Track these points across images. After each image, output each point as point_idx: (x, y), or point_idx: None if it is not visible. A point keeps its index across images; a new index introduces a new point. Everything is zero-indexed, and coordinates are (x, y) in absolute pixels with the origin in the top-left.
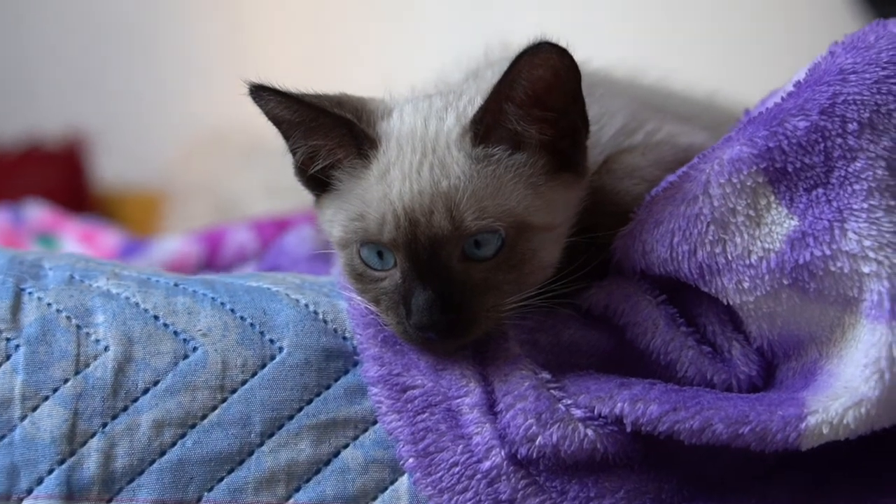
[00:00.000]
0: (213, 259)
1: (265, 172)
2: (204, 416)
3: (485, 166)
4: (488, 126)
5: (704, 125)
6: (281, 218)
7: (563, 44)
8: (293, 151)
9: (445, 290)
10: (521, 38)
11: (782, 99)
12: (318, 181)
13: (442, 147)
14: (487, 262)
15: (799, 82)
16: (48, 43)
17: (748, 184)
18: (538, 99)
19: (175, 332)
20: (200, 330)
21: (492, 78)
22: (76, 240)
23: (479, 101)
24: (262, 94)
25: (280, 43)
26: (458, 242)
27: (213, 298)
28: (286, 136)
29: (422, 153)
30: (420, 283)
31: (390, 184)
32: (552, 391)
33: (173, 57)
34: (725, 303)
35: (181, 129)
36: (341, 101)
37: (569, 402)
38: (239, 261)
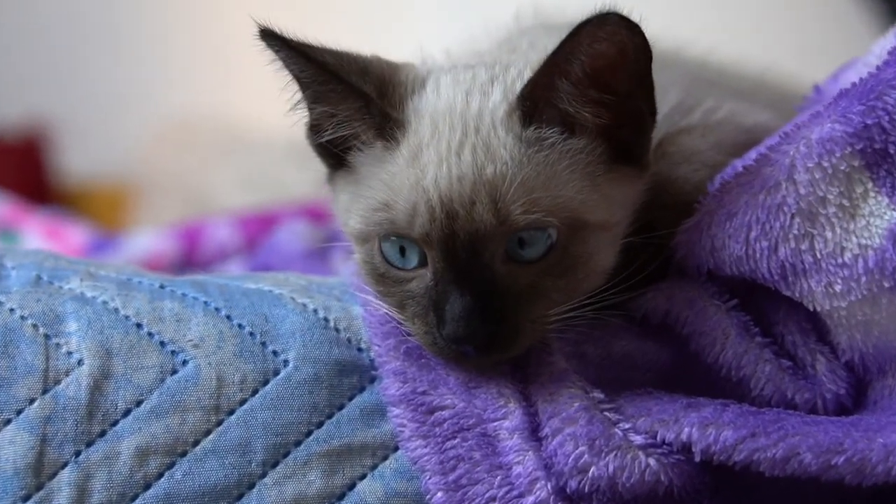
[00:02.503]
0: (191, 257)
1: (241, 164)
2: (196, 443)
3: (536, 151)
4: (538, 102)
5: (763, 104)
6: (266, 212)
7: (634, 17)
8: (308, 109)
9: (486, 296)
10: (554, 4)
11: (877, 68)
12: (331, 152)
13: (486, 126)
14: (534, 264)
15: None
16: (7, 27)
17: (842, 168)
18: (598, 78)
19: (161, 343)
20: (191, 340)
21: (546, 47)
22: (40, 235)
23: (528, 76)
24: (270, 42)
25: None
26: (503, 240)
27: (205, 303)
28: (301, 91)
29: (462, 133)
30: (456, 287)
31: (424, 168)
32: (606, 413)
33: (144, 42)
34: (811, 309)
35: (152, 118)
36: (367, 67)
37: (626, 426)
38: (219, 259)
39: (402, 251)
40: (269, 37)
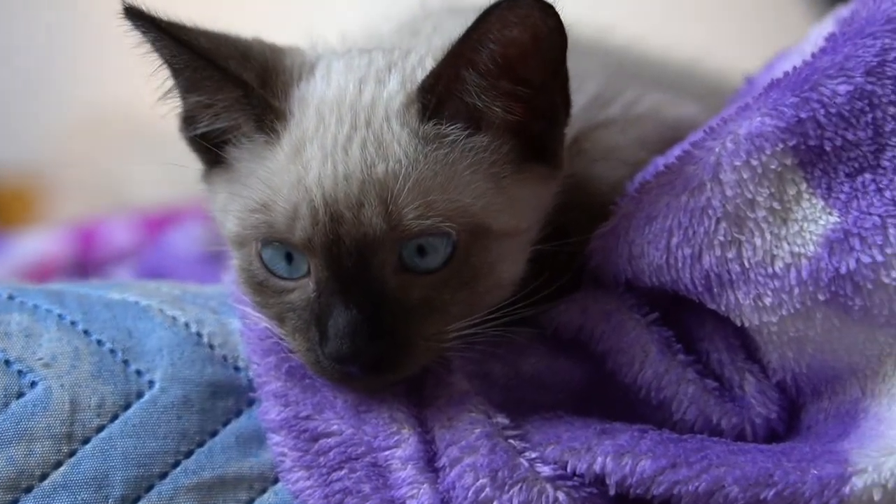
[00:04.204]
0: (85, 260)
1: (158, 158)
2: (44, 476)
3: (434, 149)
4: (441, 96)
5: (691, 96)
6: (169, 210)
7: None
8: (182, 97)
9: (374, 309)
10: None
11: (813, 56)
12: (206, 148)
13: (379, 119)
14: (431, 275)
15: (833, 35)
16: None
17: (772, 167)
18: (508, 68)
19: (6, 362)
20: (41, 358)
21: (451, 31)
22: None
23: (429, 63)
24: (136, 22)
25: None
26: (395, 247)
27: (59, 316)
28: (173, 76)
29: (351, 125)
30: (341, 300)
31: (306, 164)
32: (511, 441)
33: (54, 27)
34: (738, 324)
35: (62, 108)
36: (248, 51)
37: (533, 455)
38: (115, 261)
39: (290, 258)
40: (135, 16)
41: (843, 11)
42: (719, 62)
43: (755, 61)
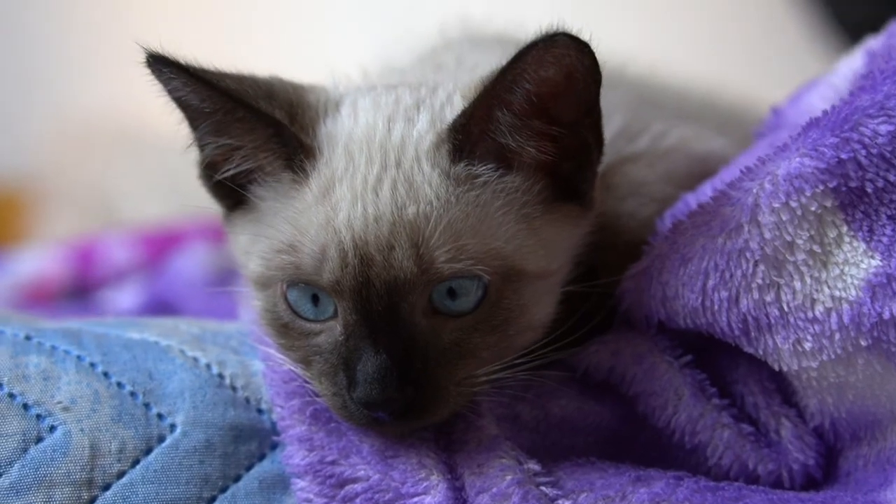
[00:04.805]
0: (83, 280)
1: (150, 169)
2: None
3: (466, 190)
4: (472, 136)
5: (711, 127)
6: (170, 229)
7: (583, 35)
8: (198, 145)
9: (404, 354)
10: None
11: (851, 94)
12: (229, 189)
13: (410, 159)
14: (462, 318)
15: (872, 73)
16: None
17: (812, 209)
18: (542, 107)
19: (25, 406)
20: (61, 402)
21: (475, 65)
22: None
23: (458, 101)
24: (162, 69)
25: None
26: (425, 290)
27: (78, 357)
28: (192, 125)
29: (381, 166)
30: (370, 343)
31: (336, 206)
32: (543, 488)
33: (44, 34)
34: (776, 368)
35: (51, 117)
36: (272, 91)
37: (566, 503)
38: (114, 282)
39: (316, 300)
40: (161, 63)
41: (874, 44)
42: (734, 92)
43: (770, 90)
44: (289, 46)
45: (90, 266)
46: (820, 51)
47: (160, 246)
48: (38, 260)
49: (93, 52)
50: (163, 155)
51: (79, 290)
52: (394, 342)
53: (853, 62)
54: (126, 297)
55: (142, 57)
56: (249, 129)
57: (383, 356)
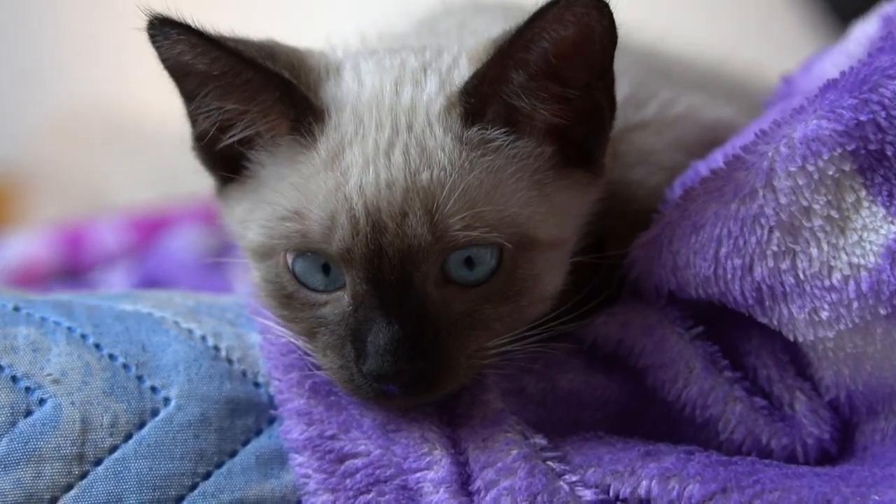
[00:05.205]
0: (72, 263)
1: (141, 158)
2: (54, 500)
3: (480, 155)
4: (484, 99)
5: (718, 96)
6: (159, 213)
7: None
8: (194, 116)
9: (417, 325)
10: None
11: (870, 55)
12: (224, 160)
13: (421, 124)
14: (475, 288)
15: (891, 34)
16: None
17: (830, 172)
18: (558, 69)
19: (13, 378)
20: (51, 374)
21: (480, 29)
22: None
23: (465, 64)
24: (167, 31)
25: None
26: (439, 259)
27: (69, 329)
28: (190, 95)
29: (392, 130)
30: (382, 314)
31: (346, 171)
32: (550, 463)
33: (35, 24)
34: (791, 339)
35: (42, 106)
36: (274, 53)
37: (574, 478)
38: (103, 265)
39: (326, 269)
40: (168, 25)
41: (889, 9)
42: (740, 62)
43: (777, 61)
44: (285, 18)
45: (80, 250)
46: (828, 24)
47: (150, 229)
48: (27, 244)
49: (84, 42)
50: (154, 145)
51: (68, 273)
52: (406, 313)
53: (868, 28)
54: (117, 277)
55: (144, 23)
56: (255, 92)
57: (395, 327)
